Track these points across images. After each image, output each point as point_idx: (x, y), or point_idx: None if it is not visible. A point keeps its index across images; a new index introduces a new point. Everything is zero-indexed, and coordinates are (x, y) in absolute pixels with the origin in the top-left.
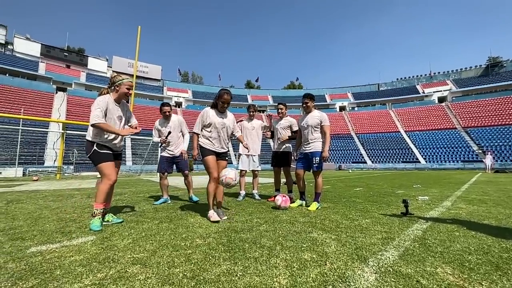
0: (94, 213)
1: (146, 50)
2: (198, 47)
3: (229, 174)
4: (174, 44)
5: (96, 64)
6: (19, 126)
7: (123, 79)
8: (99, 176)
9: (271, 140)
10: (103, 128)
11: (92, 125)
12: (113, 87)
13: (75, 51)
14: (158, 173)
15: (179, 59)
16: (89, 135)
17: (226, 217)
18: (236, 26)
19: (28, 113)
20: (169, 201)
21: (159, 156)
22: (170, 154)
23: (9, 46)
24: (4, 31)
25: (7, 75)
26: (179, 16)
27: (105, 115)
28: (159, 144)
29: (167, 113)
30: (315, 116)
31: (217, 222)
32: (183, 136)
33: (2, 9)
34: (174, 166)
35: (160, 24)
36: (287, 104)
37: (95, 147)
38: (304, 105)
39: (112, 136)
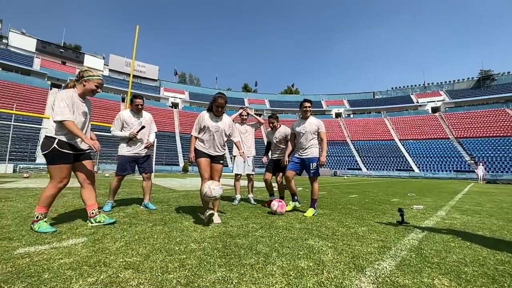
0: (38, 217)
1: (143, 50)
2: (196, 49)
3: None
4: (172, 44)
5: (92, 62)
6: (11, 122)
7: (94, 75)
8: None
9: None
10: (69, 127)
11: (58, 122)
12: (80, 81)
13: (72, 48)
14: (116, 174)
15: (176, 60)
16: (51, 130)
17: (220, 221)
18: (235, 30)
19: (21, 109)
20: (114, 204)
21: (119, 154)
22: (136, 154)
23: (3, 40)
24: None
25: (0, 69)
26: (178, 17)
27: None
28: (127, 140)
29: (140, 106)
30: (313, 122)
31: (218, 222)
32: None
33: None
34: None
35: (159, 24)
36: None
37: (55, 145)
38: (306, 109)
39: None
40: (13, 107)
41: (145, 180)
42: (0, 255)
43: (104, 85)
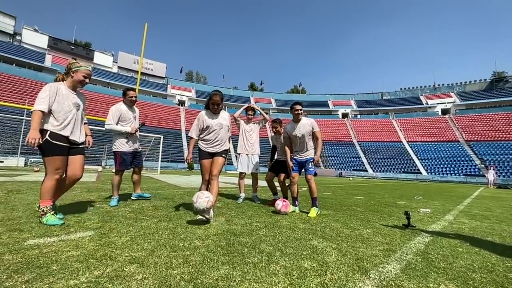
0: (44, 211)
1: (151, 47)
2: (203, 48)
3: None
4: (180, 42)
5: (102, 59)
6: (23, 116)
7: (81, 66)
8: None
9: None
10: (33, 116)
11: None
12: (68, 74)
13: (82, 45)
14: (118, 170)
15: (184, 58)
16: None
17: (212, 217)
18: (242, 29)
19: (33, 104)
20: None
21: (119, 151)
22: (135, 150)
23: (17, 37)
24: (12, 22)
25: (14, 65)
26: (186, 15)
27: (55, 101)
28: (126, 135)
29: (134, 99)
30: (307, 124)
31: (203, 220)
32: None
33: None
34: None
35: (167, 22)
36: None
37: (47, 137)
38: (298, 112)
39: (63, 124)
40: (25, 102)
41: (137, 173)
42: (11, 245)
43: (113, 82)
